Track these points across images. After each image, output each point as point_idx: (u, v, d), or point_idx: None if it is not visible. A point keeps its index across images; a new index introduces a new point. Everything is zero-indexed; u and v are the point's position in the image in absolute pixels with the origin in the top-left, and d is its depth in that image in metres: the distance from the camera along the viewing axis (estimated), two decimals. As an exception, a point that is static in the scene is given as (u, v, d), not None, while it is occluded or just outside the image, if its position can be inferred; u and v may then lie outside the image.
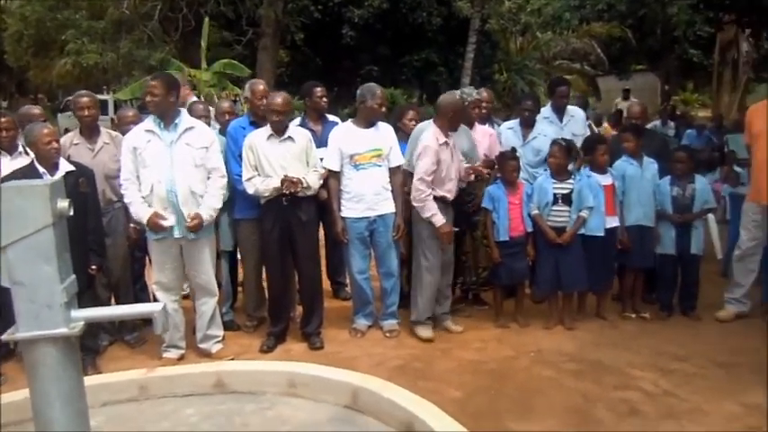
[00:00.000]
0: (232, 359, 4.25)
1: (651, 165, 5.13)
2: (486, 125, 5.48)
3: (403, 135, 5.04)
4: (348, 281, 5.29)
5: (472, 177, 4.91)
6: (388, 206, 4.76)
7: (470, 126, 5.18)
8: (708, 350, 4.43)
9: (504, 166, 4.91)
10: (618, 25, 18.44)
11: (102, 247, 4.35)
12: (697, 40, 19.15)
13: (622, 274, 5.28)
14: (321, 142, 4.84)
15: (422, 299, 4.80)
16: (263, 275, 4.91)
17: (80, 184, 4.09)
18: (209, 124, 4.91)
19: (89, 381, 2.11)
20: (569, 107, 5.80)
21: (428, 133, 4.68)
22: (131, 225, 4.53)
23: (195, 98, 4.70)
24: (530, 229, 4.93)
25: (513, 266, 4.94)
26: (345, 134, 4.76)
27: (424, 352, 4.54)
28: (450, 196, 4.75)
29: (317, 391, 3.28)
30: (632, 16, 14.34)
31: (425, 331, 4.79)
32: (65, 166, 4.11)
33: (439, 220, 4.60)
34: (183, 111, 4.40)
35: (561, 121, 5.61)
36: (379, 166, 4.73)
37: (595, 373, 4.12)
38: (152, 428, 2.79)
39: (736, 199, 5.98)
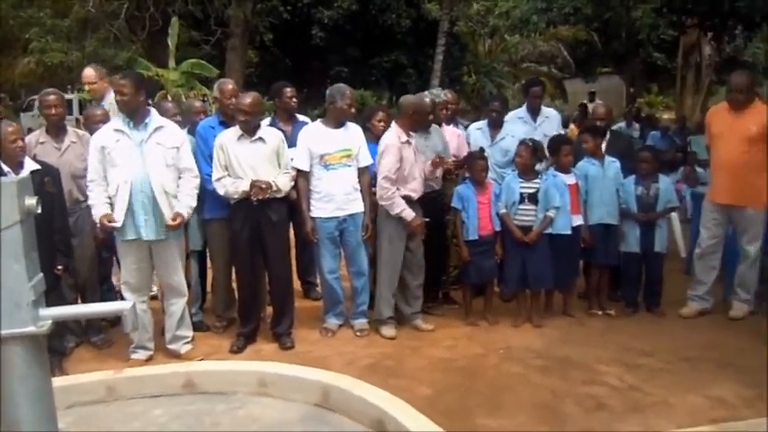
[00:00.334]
0: (202, 359, 4.22)
1: (613, 164, 5.23)
2: (452, 126, 5.55)
3: (372, 136, 5.06)
4: (318, 281, 5.29)
5: (438, 174, 4.95)
6: (357, 206, 4.78)
7: (439, 126, 5.24)
8: (672, 345, 4.52)
9: (473, 165, 4.96)
10: (584, 29, 18.77)
11: (69, 248, 4.29)
12: (661, 44, 19.58)
13: (588, 272, 5.37)
14: (291, 142, 4.83)
15: (383, 298, 4.85)
16: (233, 276, 4.89)
17: (45, 184, 4.02)
18: (182, 125, 4.87)
19: (55, 382, 2.08)
20: (545, 108, 5.90)
21: (390, 132, 4.76)
22: (98, 225, 4.47)
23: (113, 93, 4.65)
24: (498, 229, 4.99)
25: (482, 265, 4.99)
26: (315, 134, 4.77)
27: (395, 350, 4.56)
28: (416, 195, 4.79)
29: (288, 390, 3.29)
30: (598, 20, 14.60)
31: (388, 330, 4.82)
32: (30, 165, 4.04)
33: (409, 214, 4.66)
34: (153, 110, 4.36)
35: (535, 121, 5.69)
36: (349, 166, 4.75)
37: (563, 369, 4.19)
38: (121, 429, 2.78)
39: (697, 198, 6.13)
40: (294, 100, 5.35)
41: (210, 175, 4.54)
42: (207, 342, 4.75)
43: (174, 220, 4.20)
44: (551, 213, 4.89)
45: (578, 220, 5.07)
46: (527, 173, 4.94)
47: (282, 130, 4.95)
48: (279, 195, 4.52)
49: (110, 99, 5.28)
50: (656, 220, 5.16)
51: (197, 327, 4.80)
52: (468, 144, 5.43)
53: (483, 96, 19.32)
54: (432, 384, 3.99)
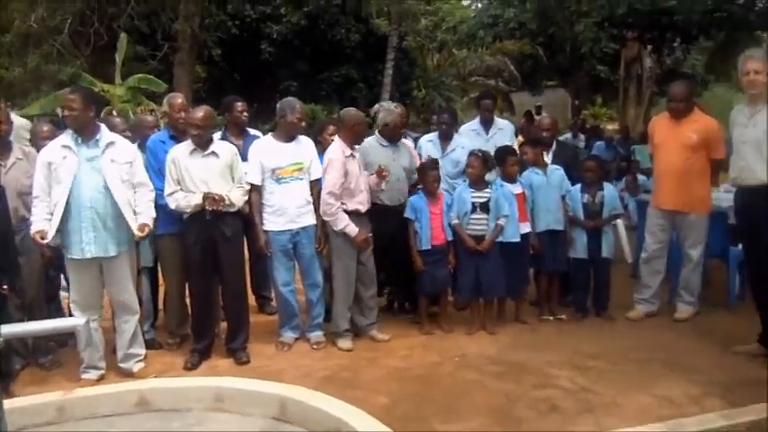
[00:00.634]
0: (155, 377, 4.15)
1: (556, 171, 5.37)
2: (402, 139, 5.61)
3: (323, 149, 5.09)
4: (273, 294, 5.27)
5: (383, 186, 5.00)
6: (310, 218, 4.81)
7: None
8: (621, 347, 4.66)
9: (426, 176, 5.03)
10: (529, 43, 19.21)
11: (15, 267, 4.17)
12: (603, 57, 20.21)
13: (538, 279, 5.49)
14: (243, 157, 4.83)
15: (338, 310, 4.87)
16: (186, 291, 4.84)
17: (-11, 201, 3.92)
18: (133, 139, 4.82)
19: (4, 405, 2.03)
20: (498, 120, 6.05)
21: (334, 146, 4.80)
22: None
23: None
24: (450, 238, 5.07)
25: (436, 275, 5.05)
26: (266, 148, 4.78)
27: (352, 362, 4.58)
28: (363, 208, 4.84)
29: (244, 405, 3.27)
30: (542, 34, 15.03)
31: (345, 342, 4.84)
32: (-28, 183, 3.94)
33: (353, 230, 4.71)
34: (104, 126, 4.31)
35: (487, 133, 5.82)
36: (301, 179, 4.77)
37: (517, 373, 4.27)
38: (73, 449, 2.72)
39: (642, 205, 6.34)
40: (245, 114, 5.35)
41: (162, 190, 4.49)
42: (160, 360, 4.67)
43: (141, 230, 4.18)
44: (501, 221, 4.99)
45: (526, 228, 5.19)
46: (478, 183, 5.03)
47: (234, 145, 4.94)
48: (232, 209, 4.50)
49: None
50: (603, 226, 5.32)
51: (149, 345, 4.72)
52: (420, 156, 5.51)
53: (432, 110, 19.53)
54: (388, 394, 4.02)
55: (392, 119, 5.15)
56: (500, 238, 5.01)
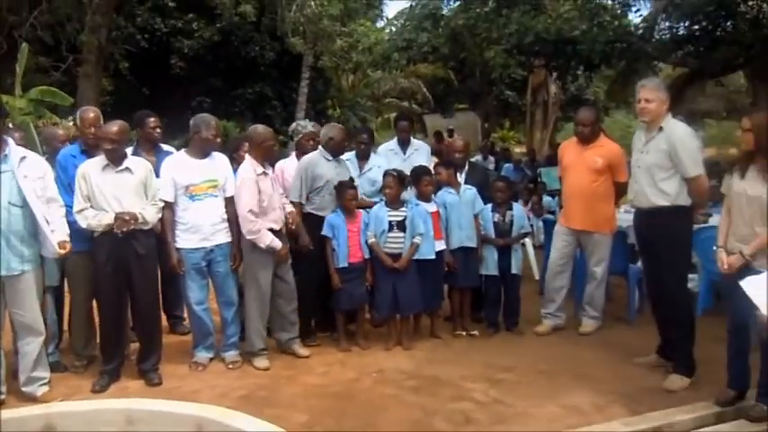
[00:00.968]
0: (62, 401, 3.97)
1: (468, 191, 5.55)
2: None
3: (238, 166, 5.06)
4: (186, 314, 5.16)
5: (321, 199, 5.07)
6: (224, 236, 4.76)
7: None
8: (530, 360, 4.84)
9: (343, 195, 5.09)
10: (442, 67, 19.78)
11: None
12: (512, 83, 21.09)
13: (451, 295, 5.63)
14: (156, 173, 4.73)
15: (253, 329, 4.83)
16: (94, 311, 4.66)
17: None
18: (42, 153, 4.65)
19: None
20: (414, 141, 6.19)
21: (245, 165, 4.78)
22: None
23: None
24: (368, 256, 5.13)
25: (353, 292, 5.10)
26: (179, 165, 4.71)
27: (269, 380, 4.54)
28: (277, 226, 4.82)
29: (158, 427, 3.20)
30: (454, 59, 15.49)
31: (261, 361, 4.80)
32: None
33: (278, 244, 4.72)
34: (11, 140, 4.11)
35: (405, 153, 5.94)
36: (215, 196, 4.73)
37: (433, 387, 4.36)
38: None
39: (549, 224, 6.64)
40: (158, 130, 5.26)
41: (71, 207, 4.33)
42: (66, 383, 4.46)
43: (63, 247, 4.07)
44: (417, 240, 5.11)
45: (441, 246, 5.32)
46: (394, 202, 5.13)
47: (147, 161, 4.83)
48: (146, 227, 4.40)
49: None
50: (513, 244, 5.54)
51: (54, 367, 4.50)
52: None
53: (348, 129, 19.74)
54: (307, 410, 4.02)
55: (336, 134, 5.27)
56: (416, 256, 5.12)
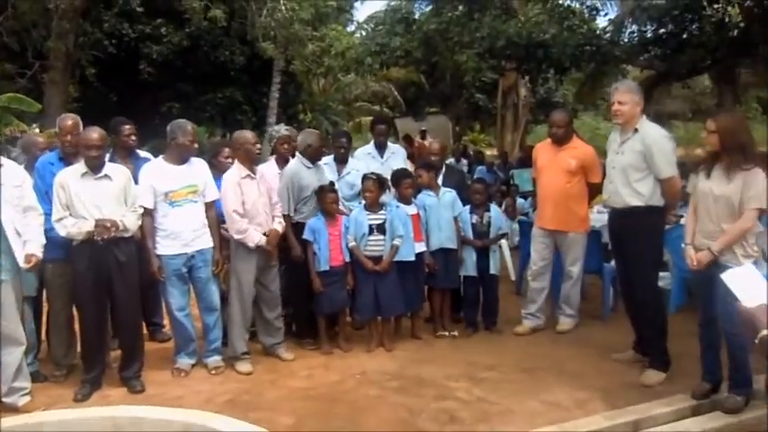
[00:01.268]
0: (44, 410, 3.93)
1: (447, 194, 5.62)
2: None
3: (218, 172, 5.07)
4: (166, 321, 5.13)
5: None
6: (205, 241, 4.76)
7: (285, 162, 5.38)
8: (511, 359, 4.93)
9: (324, 198, 5.12)
10: (413, 70, 19.92)
11: None
12: (482, 86, 21.32)
13: (431, 296, 5.69)
14: (134, 180, 4.71)
15: (235, 333, 4.85)
16: (74, 320, 4.62)
17: None
18: (20, 161, 4.60)
19: None
20: (391, 144, 6.24)
21: (231, 168, 4.87)
22: None
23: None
24: (348, 259, 5.17)
25: (335, 296, 5.13)
26: (157, 171, 4.70)
27: (252, 384, 4.55)
28: (261, 230, 4.84)
29: (146, 432, 3.18)
30: (427, 63, 15.60)
31: (243, 366, 4.81)
32: None
33: (264, 239, 4.77)
34: None
35: (382, 156, 5.99)
36: (195, 201, 4.73)
37: (416, 387, 4.42)
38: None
39: (525, 225, 6.75)
40: (133, 137, 5.23)
41: (49, 214, 4.29)
42: (46, 393, 4.42)
43: (28, 261, 4.00)
44: (397, 242, 5.16)
45: (421, 247, 5.39)
46: (374, 205, 5.18)
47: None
48: (126, 235, 4.38)
49: None
50: (491, 245, 5.62)
51: (33, 377, 4.43)
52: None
53: (320, 134, 19.74)
54: (293, 413, 4.04)
55: (314, 140, 5.32)
56: (396, 258, 5.17)
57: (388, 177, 5.42)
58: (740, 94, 16.27)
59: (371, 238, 5.14)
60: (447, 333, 5.52)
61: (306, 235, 5.10)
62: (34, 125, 13.27)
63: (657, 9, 12.04)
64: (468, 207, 5.66)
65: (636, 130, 4.50)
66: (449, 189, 5.64)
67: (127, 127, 5.18)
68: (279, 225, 4.96)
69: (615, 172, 4.61)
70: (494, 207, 5.90)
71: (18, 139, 8.48)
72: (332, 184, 5.27)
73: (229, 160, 5.27)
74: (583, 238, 5.50)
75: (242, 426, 3.26)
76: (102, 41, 17.21)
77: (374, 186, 5.15)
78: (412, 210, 5.38)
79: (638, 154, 4.46)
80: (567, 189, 5.35)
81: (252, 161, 4.91)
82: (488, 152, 21.42)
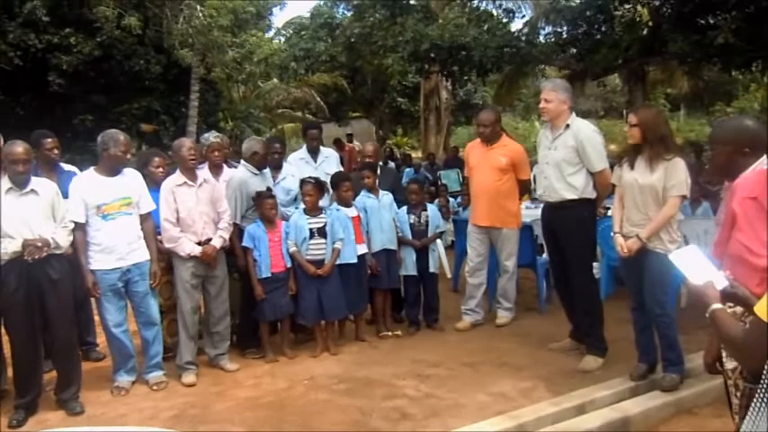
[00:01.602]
0: (-23, 440, 3.73)
1: (386, 196, 5.69)
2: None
3: (151, 182, 4.96)
4: (99, 339, 4.96)
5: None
6: (141, 254, 4.63)
7: (218, 170, 5.30)
8: (454, 354, 5.03)
9: (262, 204, 5.07)
10: (336, 76, 19.92)
11: None
12: (404, 90, 21.54)
13: (373, 298, 5.72)
14: (62, 194, 4.53)
15: (183, 341, 4.79)
16: (3, 342, 4.41)
17: None
18: None
19: None
20: (323, 149, 6.24)
21: (170, 176, 4.83)
22: None
23: None
24: (290, 265, 5.14)
25: (277, 302, 5.09)
26: (88, 184, 4.54)
27: (198, 398, 4.45)
28: (196, 240, 4.77)
29: (96, 452, 3.09)
30: (350, 67, 15.65)
31: (188, 376, 4.74)
32: None
33: (197, 249, 4.72)
34: None
35: (316, 161, 5.99)
36: (130, 214, 4.60)
37: (365, 388, 4.45)
38: None
39: (459, 224, 6.89)
40: (55, 151, 5.07)
41: (-29, 233, 4.07)
42: (-23, 421, 4.19)
43: None
44: (338, 245, 5.17)
45: (363, 249, 5.42)
46: (313, 209, 5.18)
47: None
48: (59, 251, 4.21)
49: None
50: (429, 244, 5.72)
51: (-39, 406, 4.22)
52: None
53: (242, 142, 19.45)
54: (243, 423, 4.00)
55: (260, 147, 5.33)
56: (338, 260, 5.18)
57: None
58: (648, 92, 17.10)
59: (312, 242, 5.13)
60: (390, 333, 5.58)
61: (245, 242, 5.04)
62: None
63: (571, 10, 12.52)
64: (404, 208, 5.73)
65: (567, 126, 4.68)
66: (386, 192, 5.71)
67: (49, 140, 5.02)
68: (218, 239, 4.87)
69: (548, 167, 4.78)
70: (431, 206, 6.01)
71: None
72: (269, 189, 5.23)
73: (160, 170, 5.19)
74: (516, 234, 5.66)
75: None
76: (6, 53, 16.38)
77: (313, 190, 5.15)
78: (352, 212, 5.41)
79: (571, 149, 4.64)
80: (499, 186, 5.49)
81: (187, 168, 4.82)
82: (413, 155, 21.71)
